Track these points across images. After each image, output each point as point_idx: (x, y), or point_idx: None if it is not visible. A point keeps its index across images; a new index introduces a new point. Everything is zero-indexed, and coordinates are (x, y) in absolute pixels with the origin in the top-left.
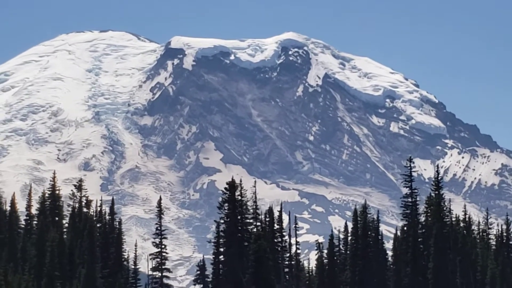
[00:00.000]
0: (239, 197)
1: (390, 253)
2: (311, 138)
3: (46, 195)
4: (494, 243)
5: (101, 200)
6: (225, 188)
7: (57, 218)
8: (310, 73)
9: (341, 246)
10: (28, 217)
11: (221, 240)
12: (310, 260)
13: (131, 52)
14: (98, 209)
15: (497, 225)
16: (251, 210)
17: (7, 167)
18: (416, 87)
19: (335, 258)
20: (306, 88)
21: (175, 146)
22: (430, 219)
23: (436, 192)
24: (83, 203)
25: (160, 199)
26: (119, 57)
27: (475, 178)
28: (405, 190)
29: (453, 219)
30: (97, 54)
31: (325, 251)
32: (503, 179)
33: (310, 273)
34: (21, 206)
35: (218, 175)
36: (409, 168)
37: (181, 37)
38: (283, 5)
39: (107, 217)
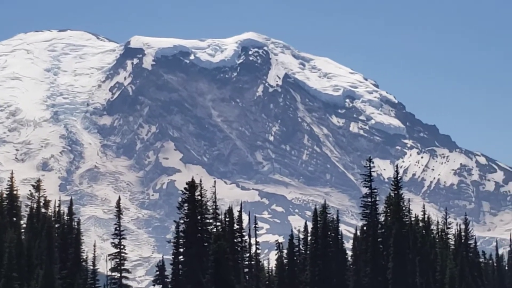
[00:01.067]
0: (199, 197)
1: (350, 253)
2: (271, 138)
3: (4, 195)
4: (453, 243)
5: (59, 200)
6: (185, 188)
7: (15, 219)
8: (270, 73)
9: (301, 246)
10: None
11: (180, 240)
12: (270, 260)
13: (90, 52)
14: (57, 209)
15: (456, 224)
16: (211, 210)
17: None
18: (376, 87)
19: (295, 258)
20: (266, 88)
21: (134, 146)
22: (389, 219)
23: (396, 192)
24: (41, 204)
25: (119, 199)
26: (78, 56)
27: (434, 178)
28: (365, 190)
29: (412, 219)
30: (55, 53)
31: (285, 251)
32: (462, 179)
33: (270, 273)
34: None
35: (177, 175)
36: (368, 168)
37: (141, 37)
38: (243, 5)
39: (66, 218)
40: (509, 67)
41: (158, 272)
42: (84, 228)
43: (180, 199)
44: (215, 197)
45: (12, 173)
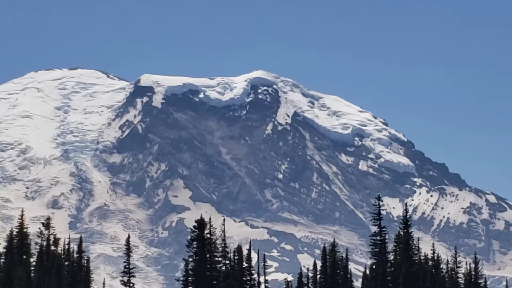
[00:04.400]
0: (208, 235)
1: None
2: (280, 176)
3: (14, 233)
4: (462, 282)
5: (69, 238)
6: (194, 226)
7: (24, 256)
8: (279, 111)
9: (310, 284)
10: None
11: (189, 278)
12: None
13: (100, 90)
14: (66, 247)
15: (466, 263)
16: (220, 248)
17: None
18: (385, 125)
19: None
20: (275, 126)
21: (144, 184)
22: (399, 257)
23: (405, 230)
24: (51, 241)
25: (129, 237)
26: (88, 94)
27: (443, 217)
28: (374, 228)
29: (422, 257)
30: (66, 91)
31: None
32: (472, 217)
33: None
34: None
35: (187, 213)
36: (378, 206)
37: (151, 75)
38: (252, 43)
39: (75, 255)
40: None
41: None
42: (93, 266)
43: (189, 237)
44: (224, 235)
45: (22, 211)
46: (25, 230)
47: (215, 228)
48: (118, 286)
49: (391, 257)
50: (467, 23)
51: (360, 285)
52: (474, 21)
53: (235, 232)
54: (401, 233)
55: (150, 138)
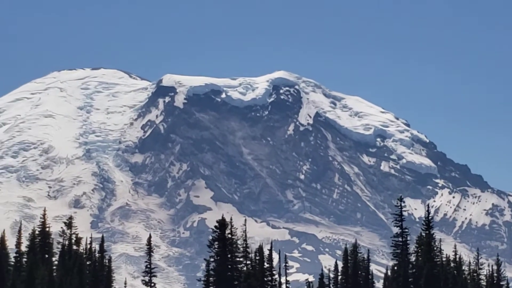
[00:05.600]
0: (229, 236)
1: None
2: (302, 177)
3: (36, 232)
4: (484, 283)
5: (91, 237)
6: (215, 227)
7: (47, 256)
8: (301, 112)
9: (331, 285)
10: (17, 255)
11: (211, 278)
12: None
13: (123, 90)
14: (88, 246)
15: (488, 265)
16: (241, 249)
17: None
18: (407, 126)
19: None
20: (297, 127)
21: (165, 184)
22: (420, 259)
23: (427, 231)
24: (73, 241)
25: (150, 237)
26: (111, 94)
27: (465, 218)
28: (396, 230)
29: (444, 259)
30: (88, 91)
31: None
32: (494, 219)
33: None
34: (11, 243)
35: (208, 213)
36: (399, 207)
37: (173, 75)
38: (275, 44)
39: (97, 255)
40: None
41: None
42: (115, 265)
43: (210, 237)
44: (246, 236)
45: (44, 210)
46: (47, 229)
47: (236, 229)
48: (139, 285)
49: (412, 258)
50: (493, 23)
51: (381, 286)
52: (499, 21)
53: (256, 233)
54: (423, 234)
55: (172, 138)
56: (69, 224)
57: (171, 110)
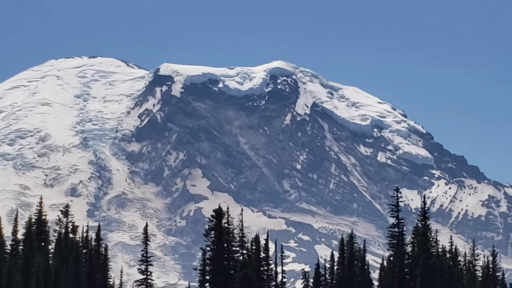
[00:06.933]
0: (226, 225)
1: (376, 283)
2: (299, 166)
3: (33, 220)
4: (480, 274)
5: (87, 226)
6: (212, 216)
7: (43, 244)
8: (298, 101)
9: (327, 275)
10: (14, 242)
11: (207, 267)
12: None
13: (120, 79)
14: (84, 235)
15: (484, 256)
16: (238, 238)
17: None
18: (404, 117)
19: (321, 287)
20: (294, 117)
21: (162, 173)
22: (416, 249)
23: (423, 222)
24: (70, 229)
25: (146, 225)
26: (108, 83)
27: (461, 209)
28: (392, 220)
29: (440, 250)
30: (85, 80)
31: (311, 280)
32: (490, 210)
33: None
34: (7, 231)
35: (205, 203)
36: (396, 198)
37: (170, 64)
38: (272, 33)
39: (93, 243)
40: None
41: None
42: (111, 254)
43: (207, 226)
44: (242, 225)
45: (41, 198)
46: (43, 217)
47: (233, 218)
48: (135, 274)
49: (408, 249)
50: (489, 14)
51: (377, 277)
52: (496, 13)
53: (252, 222)
54: (419, 225)
55: (169, 127)
56: (65, 212)
57: (168, 99)
